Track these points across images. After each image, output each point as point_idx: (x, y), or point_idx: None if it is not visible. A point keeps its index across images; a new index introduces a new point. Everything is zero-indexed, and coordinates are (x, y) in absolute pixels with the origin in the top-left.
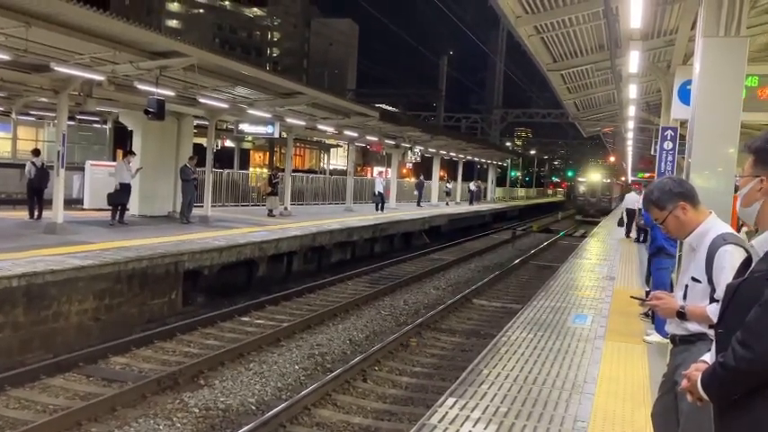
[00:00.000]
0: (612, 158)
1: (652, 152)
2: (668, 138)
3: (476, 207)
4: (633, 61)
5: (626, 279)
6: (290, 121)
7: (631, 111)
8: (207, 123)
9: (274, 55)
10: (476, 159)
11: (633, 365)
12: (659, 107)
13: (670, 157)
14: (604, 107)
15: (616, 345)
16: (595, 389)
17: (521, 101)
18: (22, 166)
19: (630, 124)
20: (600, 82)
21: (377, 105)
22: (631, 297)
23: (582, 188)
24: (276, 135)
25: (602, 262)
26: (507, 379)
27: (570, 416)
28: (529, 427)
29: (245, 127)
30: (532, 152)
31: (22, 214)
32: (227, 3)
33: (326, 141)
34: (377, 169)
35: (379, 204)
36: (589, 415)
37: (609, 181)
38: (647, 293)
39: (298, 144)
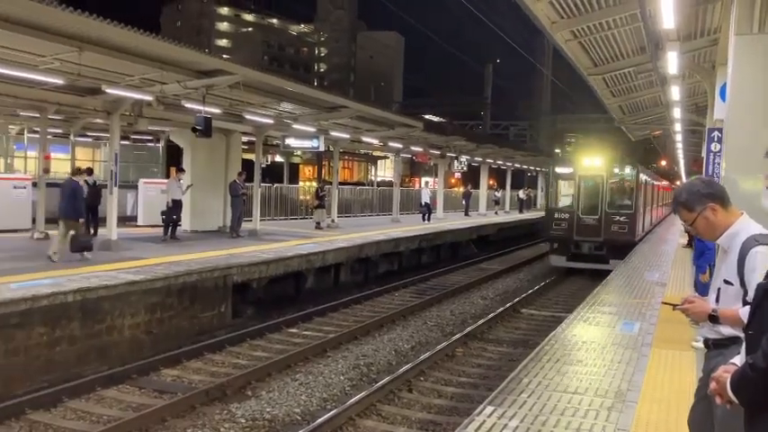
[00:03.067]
0: (664, 162)
1: (702, 154)
2: (715, 139)
3: (525, 215)
4: (672, 62)
5: (678, 286)
6: (334, 134)
7: (677, 113)
8: (255, 139)
9: (321, 70)
10: (524, 167)
11: (680, 373)
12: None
13: (718, 159)
14: (651, 110)
15: (663, 352)
16: (639, 397)
17: (569, 106)
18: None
19: (678, 127)
20: (644, 84)
21: (424, 116)
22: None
23: (565, 193)
24: (321, 149)
25: (654, 268)
26: (548, 388)
27: (611, 425)
28: None
29: (291, 141)
30: None
31: None
32: (274, 20)
33: (373, 153)
34: (425, 179)
35: (426, 215)
36: (630, 424)
37: (633, 176)
38: None
39: (345, 157)
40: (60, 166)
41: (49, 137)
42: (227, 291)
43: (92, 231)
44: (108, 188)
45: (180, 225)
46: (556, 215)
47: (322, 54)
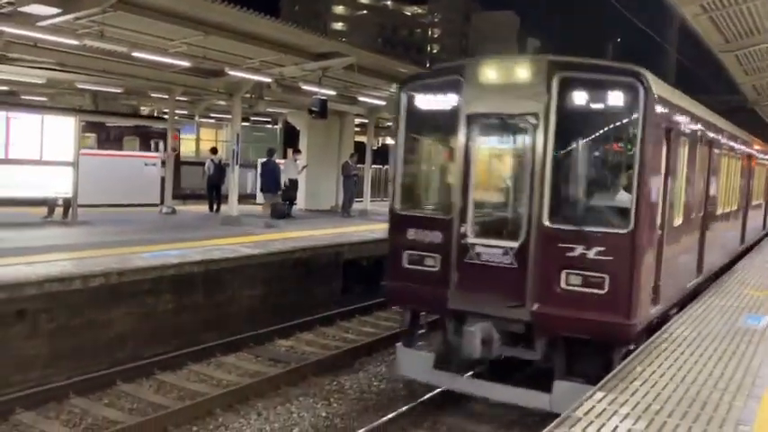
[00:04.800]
0: None
1: None
2: None
3: None
4: None
5: None
6: None
7: None
8: (366, 121)
9: (434, 51)
10: None
11: None
12: None
13: None
14: None
15: None
16: (764, 393)
17: (696, 86)
18: (204, 164)
19: None
20: None
21: None
22: None
23: (430, 170)
24: None
25: None
26: (663, 377)
27: (732, 419)
28: (682, 427)
29: None
30: None
31: (204, 207)
32: (389, 3)
33: None
34: None
35: None
36: (754, 419)
37: (637, 115)
38: None
39: None
40: (186, 146)
41: (175, 117)
42: (339, 267)
43: (215, 207)
44: (230, 167)
45: (296, 204)
46: (409, 233)
47: (435, 35)
